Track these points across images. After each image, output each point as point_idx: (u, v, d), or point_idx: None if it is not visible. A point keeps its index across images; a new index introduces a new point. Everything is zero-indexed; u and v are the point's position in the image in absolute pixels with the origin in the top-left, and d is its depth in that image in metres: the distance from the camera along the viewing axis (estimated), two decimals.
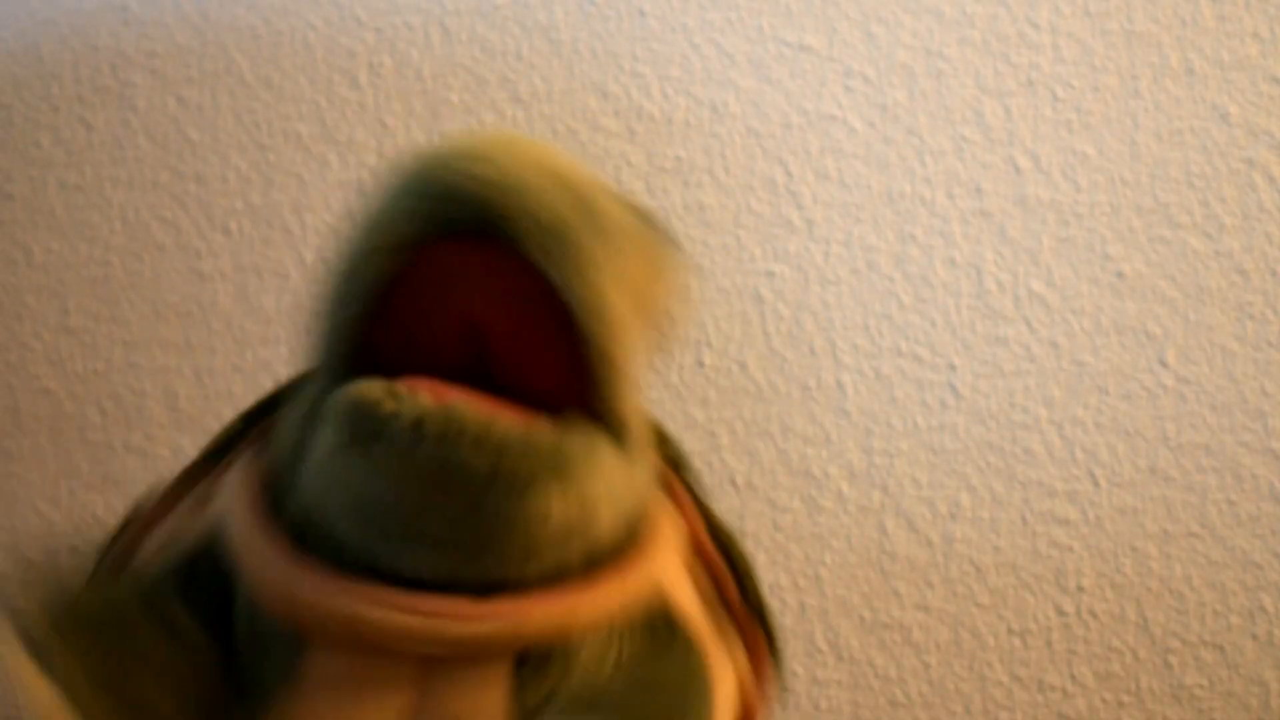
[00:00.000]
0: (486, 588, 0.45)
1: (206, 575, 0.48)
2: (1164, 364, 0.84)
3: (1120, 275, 0.84)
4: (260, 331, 0.85)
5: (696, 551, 0.53)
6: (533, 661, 0.46)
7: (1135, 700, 0.85)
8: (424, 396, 0.43)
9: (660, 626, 0.49)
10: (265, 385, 0.85)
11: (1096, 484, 0.84)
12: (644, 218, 0.48)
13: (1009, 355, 0.84)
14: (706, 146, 0.84)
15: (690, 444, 0.84)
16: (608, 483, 0.46)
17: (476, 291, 0.45)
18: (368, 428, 0.43)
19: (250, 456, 0.50)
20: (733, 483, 0.84)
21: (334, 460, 0.44)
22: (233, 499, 0.48)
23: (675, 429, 0.85)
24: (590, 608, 0.47)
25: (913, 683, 0.85)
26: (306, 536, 0.46)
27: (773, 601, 0.85)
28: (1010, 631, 0.85)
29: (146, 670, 0.44)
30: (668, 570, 0.50)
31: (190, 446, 0.85)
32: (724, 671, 0.52)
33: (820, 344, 0.84)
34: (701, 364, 0.84)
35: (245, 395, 0.85)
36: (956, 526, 0.85)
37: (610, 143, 0.84)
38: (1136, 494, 0.84)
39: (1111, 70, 0.84)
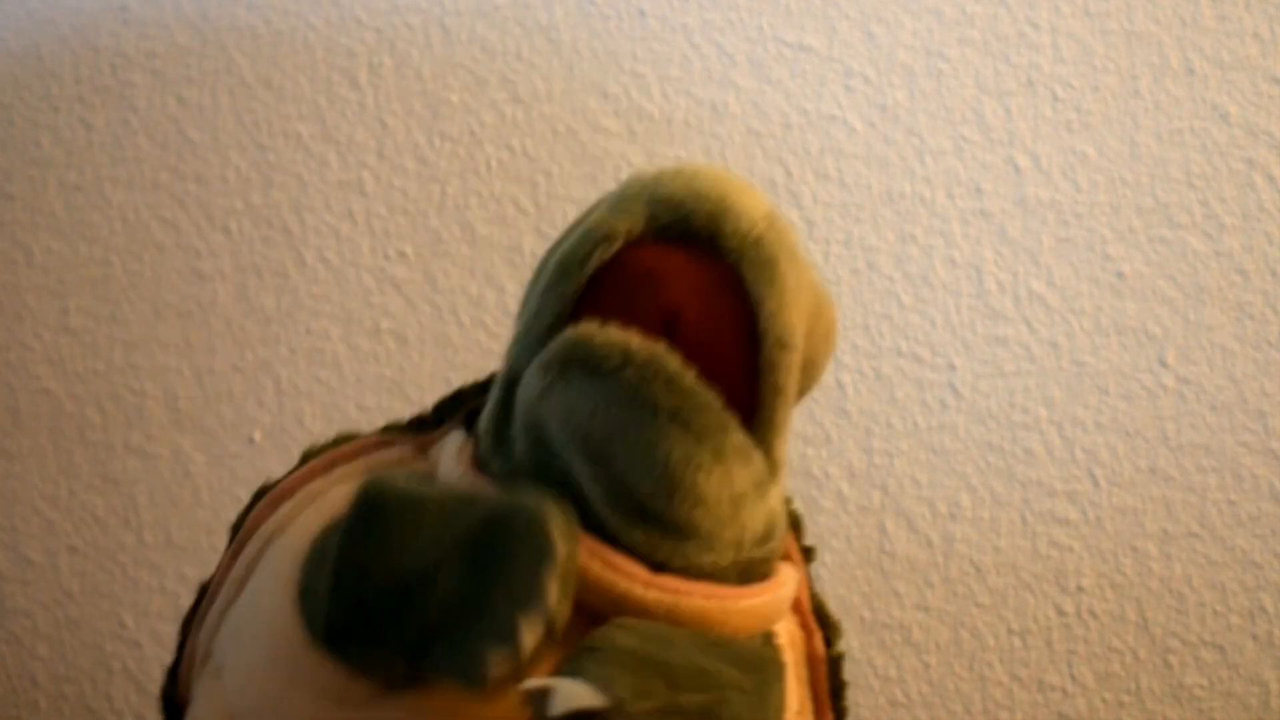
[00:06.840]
0: (654, 564, 0.48)
1: None
2: (1164, 364, 0.84)
3: (1120, 275, 0.84)
4: (260, 331, 0.85)
5: (794, 608, 0.56)
6: None
7: (1135, 700, 0.85)
8: (634, 337, 0.47)
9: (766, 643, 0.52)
10: (265, 385, 0.85)
11: (1096, 484, 0.84)
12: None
13: (1009, 355, 0.84)
14: (706, 146, 0.84)
15: None
16: (754, 488, 0.48)
17: (678, 285, 0.48)
18: (579, 354, 0.47)
19: (458, 434, 0.53)
20: None
21: (542, 399, 0.47)
22: (453, 463, 0.51)
23: None
24: (740, 611, 0.49)
25: (913, 683, 0.85)
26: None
27: None
28: (1010, 631, 0.85)
29: None
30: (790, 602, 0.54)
31: (190, 446, 0.85)
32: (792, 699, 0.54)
33: None
34: None
35: (245, 395, 0.85)
36: (956, 526, 0.85)
37: (610, 143, 0.84)
38: (1136, 494, 0.84)
39: (1111, 70, 0.84)
